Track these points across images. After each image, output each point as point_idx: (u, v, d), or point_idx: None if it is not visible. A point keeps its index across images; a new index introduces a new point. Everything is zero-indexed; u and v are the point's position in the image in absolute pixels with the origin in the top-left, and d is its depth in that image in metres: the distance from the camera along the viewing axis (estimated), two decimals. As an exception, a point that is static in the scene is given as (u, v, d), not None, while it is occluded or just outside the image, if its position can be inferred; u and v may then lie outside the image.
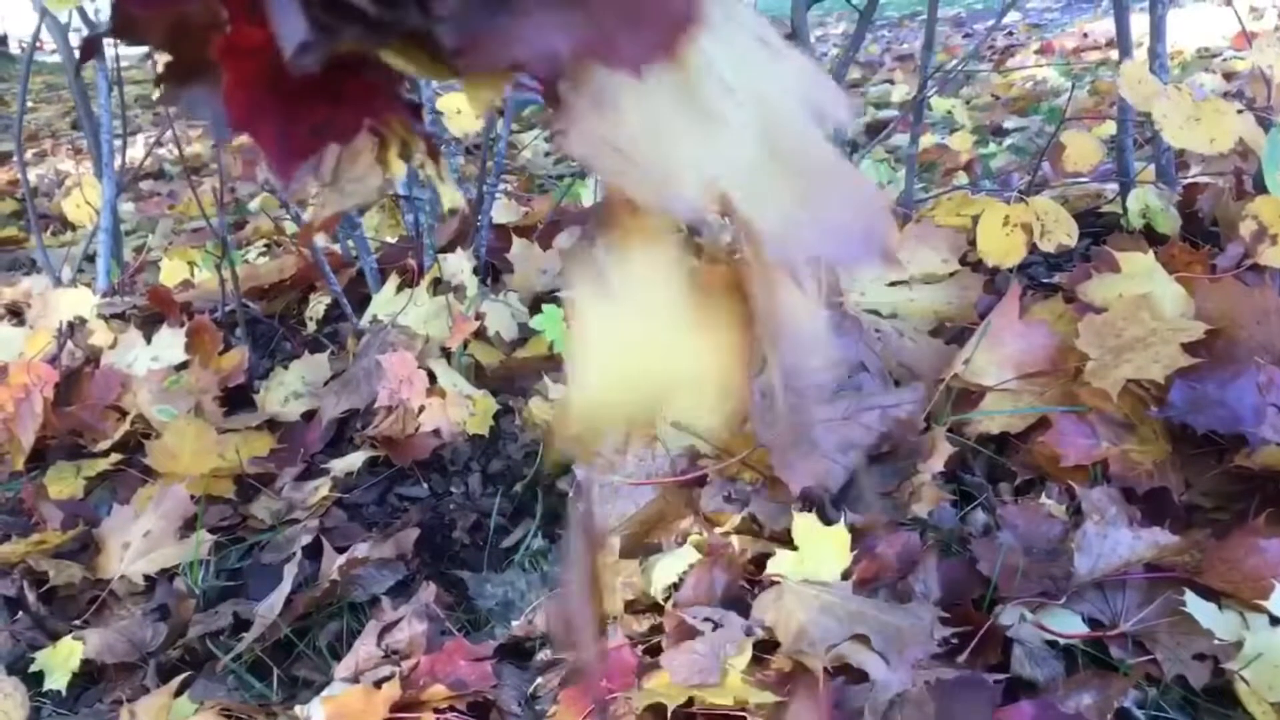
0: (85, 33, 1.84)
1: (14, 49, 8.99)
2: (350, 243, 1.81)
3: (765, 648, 0.94)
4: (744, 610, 0.98)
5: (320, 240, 1.74)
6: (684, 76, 0.29)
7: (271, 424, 1.47)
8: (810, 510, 1.06)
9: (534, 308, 1.56)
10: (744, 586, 1.03)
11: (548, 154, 3.37)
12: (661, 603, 1.03)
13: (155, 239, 2.57)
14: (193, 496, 1.24)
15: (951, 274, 1.38)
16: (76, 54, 1.94)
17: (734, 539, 1.05)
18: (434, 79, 0.33)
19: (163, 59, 0.31)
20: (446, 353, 1.50)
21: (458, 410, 1.39)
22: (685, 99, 0.29)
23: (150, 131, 4.15)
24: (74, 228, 2.57)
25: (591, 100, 0.28)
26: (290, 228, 2.00)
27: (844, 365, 1.18)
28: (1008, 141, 2.86)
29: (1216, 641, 0.90)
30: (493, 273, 1.76)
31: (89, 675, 1.09)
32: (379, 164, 0.34)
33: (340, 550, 1.18)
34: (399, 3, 0.27)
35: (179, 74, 0.30)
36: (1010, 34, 5.29)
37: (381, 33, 0.27)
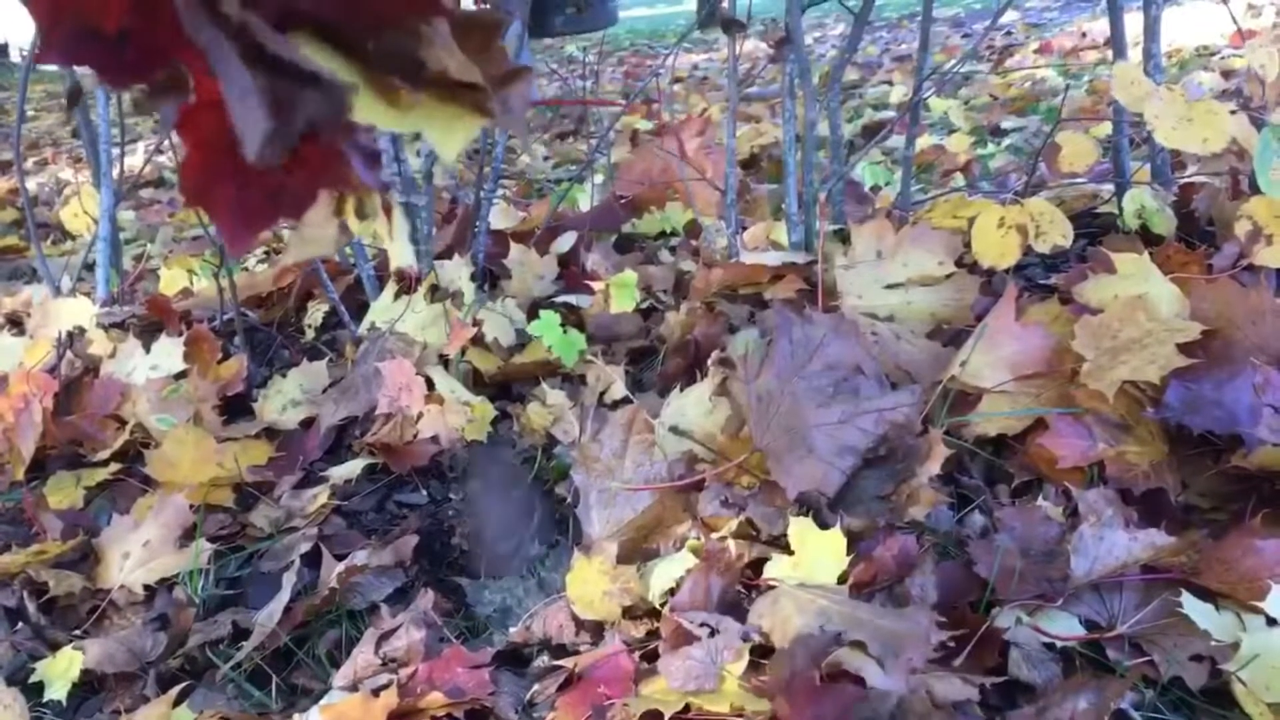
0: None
1: (14, 57, 9.02)
2: (348, 250, 1.81)
3: (762, 653, 0.94)
4: (741, 615, 0.98)
5: (318, 247, 1.74)
6: None
7: (270, 432, 1.47)
8: (807, 514, 1.07)
9: (531, 313, 1.56)
10: (741, 591, 1.03)
11: (546, 158, 3.38)
12: (659, 608, 1.03)
13: (154, 247, 2.58)
14: (192, 505, 1.24)
15: (948, 276, 1.38)
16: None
17: (731, 544, 1.05)
18: (399, 129, 0.33)
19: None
20: (444, 359, 1.51)
21: (456, 416, 1.39)
22: None
23: (149, 139, 4.16)
24: (73, 237, 2.57)
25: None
26: (288, 235, 2.01)
27: (840, 368, 1.17)
28: (1006, 142, 2.87)
29: (1214, 642, 0.90)
30: (490, 278, 1.77)
31: (89, 685, 1.09)
32: (336, 216, 0.35)
33: (339, 558, 1.18)
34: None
35: (152, 93, 0.30)
36: (1009, 34, 5.30)
37: (337, 98, 0.27)
